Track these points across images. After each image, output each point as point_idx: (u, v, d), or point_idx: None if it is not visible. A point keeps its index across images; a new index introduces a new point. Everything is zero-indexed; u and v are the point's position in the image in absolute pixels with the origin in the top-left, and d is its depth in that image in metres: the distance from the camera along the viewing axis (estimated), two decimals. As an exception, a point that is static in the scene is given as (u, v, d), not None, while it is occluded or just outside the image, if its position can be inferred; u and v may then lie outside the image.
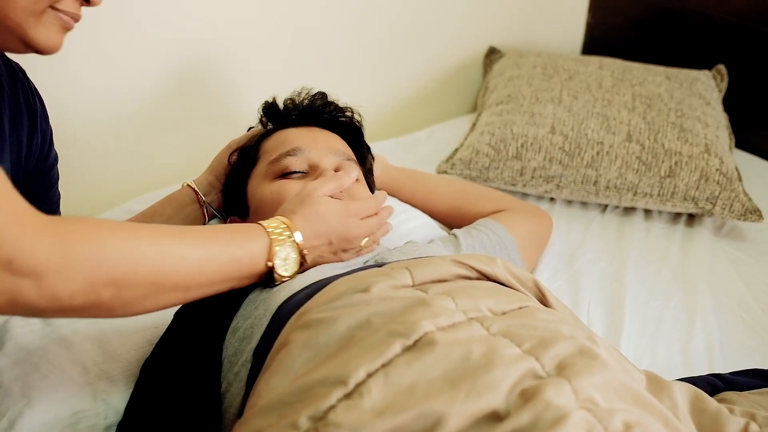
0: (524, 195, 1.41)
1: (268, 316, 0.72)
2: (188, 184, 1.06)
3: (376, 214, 0.87)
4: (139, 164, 1.38)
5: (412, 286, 0.71)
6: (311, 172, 0.95)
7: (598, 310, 1.10)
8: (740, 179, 1.36)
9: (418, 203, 1.22)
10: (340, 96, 1.09)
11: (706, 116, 1.45)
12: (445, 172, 1.41)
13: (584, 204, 1.41)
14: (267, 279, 0.76)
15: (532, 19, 1.89)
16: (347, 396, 0.55)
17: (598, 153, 1.36)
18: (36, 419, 0.76)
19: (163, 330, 0.86)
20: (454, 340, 0.59)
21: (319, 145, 0.97)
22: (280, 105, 1.07)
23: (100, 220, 0.66)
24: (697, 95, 1.50)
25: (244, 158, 1.02)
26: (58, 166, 0.97)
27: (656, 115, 1.42)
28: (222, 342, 0.77)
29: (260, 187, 0.95)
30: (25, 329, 0.87)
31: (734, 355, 1.02)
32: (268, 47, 1.46)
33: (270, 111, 1.08)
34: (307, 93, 1.07)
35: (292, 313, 0.69)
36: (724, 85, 1.62)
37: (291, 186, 0.92)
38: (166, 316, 0.86)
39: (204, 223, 1.06)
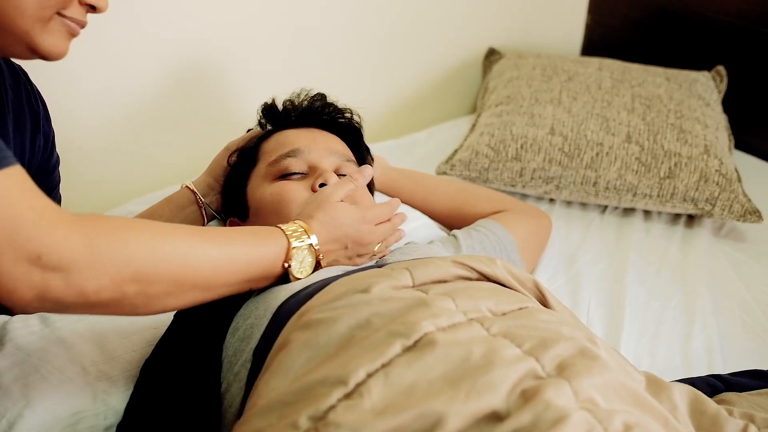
0: (524, 196, 1.42)
1: (268, 316, 0.72)
2: (187, 186, 1.06)
3: (389, 220, 0.89)
4: (140, 164, 1.38)
5: (413, 286, 0.71)
6: (311, 173, 0.95)
7: (598, 311, 1.10)
8: (740, 180, 1.36)
9: (417, 204, 1.22)
10: (339, 97, 1.09)
11: (706, 117, 1.45)
12: (444, 173, 1.41)
13: (584, 205, 1.41)
14: (282, 280, 0.78)
15: (531, 21, 1.90)
16: (347, 396, 0.55)
17: (597, 154, 1.36)
18: (35, 420, 0.76)
19: (163, 331, 0.86)
20: (455, 341, 0.59)
21: (318, 147, 0.97)
22: (279, 106, 1.08)
23: (123, 218, 0.68)
24: (697, 96, 1.50)
25: (243, 159, 1.03)
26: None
27: (656, 116, 1.42)
28: (222, 342, 0.77)
29: (260, 188, 0.95)
30: (24, 330, 0.87)
31: (734, 356, 1.02)
32: (268, 47, 1.46)
33: (269, 112, 1.08)
34: (306, 94, 1.07)
35: (292, 313, 0.69)
36: (724, 86, 1.62)
37: (291, 187, 0.92)
38: (166, 317, 0.86)
39: (203, 225, 1.06)
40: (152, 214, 1.04)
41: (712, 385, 0.83)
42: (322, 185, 0.91)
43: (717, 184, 1.31)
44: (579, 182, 1.35)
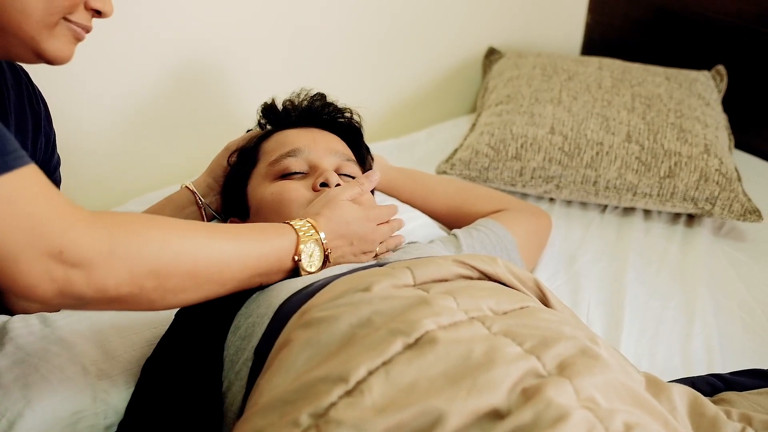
0: (524, 195, 1.42)
1: (270, 315, 0.72)
2: (186, 186, 1.06)
3: (388, 222, 0.92)
4: (139, 164, 1.38)
5: (414, 285, 0.71)
6: (311, 172, 0.95)
7: (598, 311, 1.10)
8: (740, 180, 1.36)
9: (417, 203, 1.22)
10: (339, 96, 1.09)
11: (706, 117, 1.45)
12: (444, 172, 1.41)
13: (584, 204, 1.41)
14: (292, 275, 0.80)
15: (531, 20, 1.90)
16: (348, 393, 0.55)
17: (597, 153, 1.36)
18: (36, 419, 0.76)
19: (163, 330, 0.86)
20: (456, 339, 0.59)
21: (318, 146, 0.97)
22: (279, 106, 1.08)
23: (138, 214, 0.70)
24: (697, 96, 1.50)
25: (243, 159, 1.03)
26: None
27: (656, 115, 1.42)
28: (223, 341, 0.77)
29: (260, 188, 0.95)
30: (24, 330, 0.87)
31: (734, 356, 1.02)
32: (267, 47, 1.46)
33: (269, 112, 1.08)
34: (306, 94, 1.07)
35: (293, 311, 0.69)
36: (724, 85, 1.62)
37: (291, 186, 0.92)
38: (166, 316, 0.87)
39: (203, 224, 1.06)
40: (152, 214, 1.04)
41: (712, 385, 0.83)
42: (323, 184, 0.91)
43: (717, 183, 1.31)
44: (579, 181, 1.35)
